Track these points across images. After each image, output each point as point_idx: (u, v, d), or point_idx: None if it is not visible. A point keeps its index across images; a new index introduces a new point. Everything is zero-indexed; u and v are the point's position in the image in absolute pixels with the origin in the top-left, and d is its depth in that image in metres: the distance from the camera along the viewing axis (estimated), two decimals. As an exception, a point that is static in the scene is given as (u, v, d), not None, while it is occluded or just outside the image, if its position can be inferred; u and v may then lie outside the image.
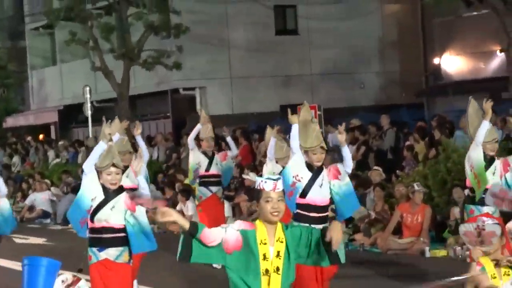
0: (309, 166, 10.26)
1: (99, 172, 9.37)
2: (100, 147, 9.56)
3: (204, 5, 31.14)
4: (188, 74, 31.32)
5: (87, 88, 30.86)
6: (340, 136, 10.48)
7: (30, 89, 42.78)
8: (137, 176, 10.74)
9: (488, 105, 11.68)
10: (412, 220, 16.58)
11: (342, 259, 6.58)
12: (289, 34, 33.78)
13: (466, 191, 13.05)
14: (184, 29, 28.87)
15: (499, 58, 26.48)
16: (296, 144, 10.60)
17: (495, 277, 7.74)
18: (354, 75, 33.09)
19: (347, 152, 10.63)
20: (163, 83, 32.54)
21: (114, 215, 9.29)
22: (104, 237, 9.32)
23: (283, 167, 12.93)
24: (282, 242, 6.28)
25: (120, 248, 9.35)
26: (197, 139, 15.71)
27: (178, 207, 20.91)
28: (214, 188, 15.67)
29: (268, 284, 6.23)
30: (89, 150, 19.71)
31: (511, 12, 20.55)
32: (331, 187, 10.39)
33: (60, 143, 33.64)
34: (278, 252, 6.26)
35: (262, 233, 6.25)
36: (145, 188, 10.62)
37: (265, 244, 6.25)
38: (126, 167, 11.72)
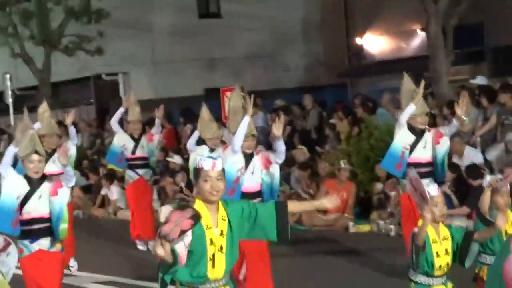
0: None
1: (22, 161, 9.25)
2: (11, 151, 9.48)
3: (126, -11, 30.57)
4: (110, 59, 30.84)
5: (7, 76, 30.37)
6: (275, 129, 10.50)
7: None
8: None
9: (421, 84, 12.06)
10: (337, 197, 16.79)
11: (289, 237, 6.53)
12: (212, 18, 33.58)
13: None
14: (105, 14, 28.34)
15: (420, 37, 26.84)
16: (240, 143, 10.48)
17: None
18: (278, 57, 33.17)
19: (281, 145, 10.59)
20: (85, 69, 32.01)
21: (42, 204, 9.13)
22: (35, 228, 9.16)
23: (211, 149, 13.14)
24: (224, 220, 6.24)
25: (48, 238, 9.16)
26: (121, 123, 15.81)
27: (102, 192, 20.90)
28: (141, 171, 15.59)
29: (213, 266, 6.20)
30: (11, 138, 19.49)
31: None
32: (262, 176, 10.52)
33: (-19, 132, 33.09)
34: (222, 230, 6.21)
35: (206, 218, 6.15)
36: (71, 174, 10.02)
37: (210, 228, 6.17)
38: (54, 151, 11.66)
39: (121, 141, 15.54)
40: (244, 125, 10.30)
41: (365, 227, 16.51)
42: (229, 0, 33.08)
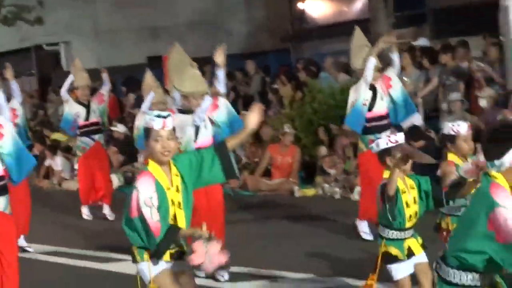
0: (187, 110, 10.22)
1: None
2: None
3: (66, -43, 30.23)
4: (51, 29, 30.61)
5: None
6: (217, 57, 10.92)
7: None
8: None
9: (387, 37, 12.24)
10: (282, 162, 16.96)
11: (237, 173, 6.62)
12: None
13: None
14: (45, -18, 27.74)
15: (361, 0, 26.91)
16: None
17: None
18: (221, 24, 33.09)
19: (222, 74, 10.89)
20: (26, 40, 31.85)
21: None
22: None
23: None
24: (177, 176, 6.23)
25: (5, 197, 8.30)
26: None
27: (46, 163, 20.84)
28: (96, 136, 15.59)
29: (175, 222, 6.20)
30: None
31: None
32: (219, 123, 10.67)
33: None
34: (177, 186, 6.22)
35: (163, 179, 6.16)
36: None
37: (169, 189, 6.17)
38: None
39: (72, 109, 15.37)
40: None
41: (310, 191, 16.68)
42: (171, -32, 32.70)
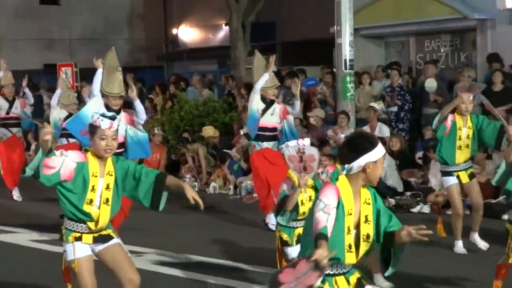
0: (108, 108, 9.60)
1: None
2: None
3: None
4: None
5: None
6: (129, 92, 10.33)
7: None
8: None
9: (272, 59, 11.77)
10: (152, 158, 16.84)
11: (162, 207, 6.04)
12: (51, 4, 32.49)
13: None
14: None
15: (224, 30, 27.12)
16: (97, 87, 10.09)
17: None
18: (107, 41, 32.68)
19: (139, 106, 10.26)
20: None
21: None
22: None
23: (70, 114, 13.36)
24: (111, 175, 5.94)
25: None
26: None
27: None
28: (14, 129, 15.25)
29: (98, 215, 5.92)
30: None
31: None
32: (127, 130, 9.91)
33: None
34: (108, 184, 5.93)
35: (94, 166, 5.88)
36: None
37: (95, 176, 5.88)
38: None
39: None
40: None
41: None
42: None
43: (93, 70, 19.48)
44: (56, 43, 31.13)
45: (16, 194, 15.33)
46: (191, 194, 5.78)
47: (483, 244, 9.59)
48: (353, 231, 4.63)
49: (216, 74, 23.23)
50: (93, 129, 5.90)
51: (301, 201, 7.10)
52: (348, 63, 16.09)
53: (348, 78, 16.08)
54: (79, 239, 5.89)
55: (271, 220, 11.21)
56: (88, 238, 5.92)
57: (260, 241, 10.67)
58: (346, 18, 16.08)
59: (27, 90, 15.96)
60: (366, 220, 4.64)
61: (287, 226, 7.26)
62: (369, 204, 4.71)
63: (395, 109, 15.90)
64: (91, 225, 5.92)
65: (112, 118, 5.94)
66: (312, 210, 4.60)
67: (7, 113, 14.97)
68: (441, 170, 10.14)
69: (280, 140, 11.87)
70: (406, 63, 19.57)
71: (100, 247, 5.99)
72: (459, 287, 8.25)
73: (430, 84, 15.45)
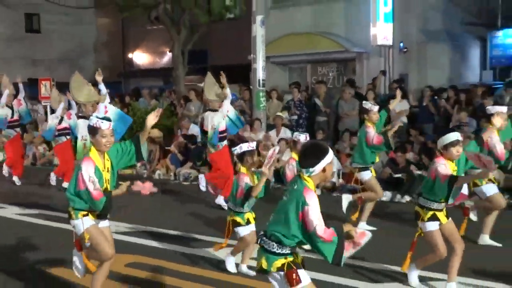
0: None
1: None
2: None
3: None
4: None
5: None
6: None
7: None
8: None
9: (223, 78, 11.21)
10: None
11: (145, 156, 6.14)
12: (35, 32, 31.98)
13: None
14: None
15: (168, 55, 27.01)
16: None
17: None
18: (79, 62, 32.24)
19: (104, 88, 10.59)
20: None
21: None
22: None
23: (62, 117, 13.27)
24: (108, 160, 5.82)
25: None
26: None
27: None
28: (18, 129, 15.03)
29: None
30: None
31: (176, 27, 20.96)
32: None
33: None
34: (107, 168, 5.81)
35: (99, 163, 5.73)
36: None
37: (104, 170, 5.77)
38: None
39: (3, 111, 14.51)
40: None
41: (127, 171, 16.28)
42: (50, 21, 31.63)
43: (67, 84, 19.10)
44: (38, 62, 30.45)
45: (16, 181, 14.86)
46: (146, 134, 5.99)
47: None
48: None
49: (162, 89, 23.05)
50: (94, 130, 5.77)
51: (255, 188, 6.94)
52: (261, 82, 16.28)
53: (261, 94, 16.24)
54: (86, 215, 5.77)
55: (221, 202, 11.12)
56: (93, 215, 5.80)
57: (202, 216, 10.68)
58: (260, 49, 16.24)
59: (21, 94, 15.35)
60: None
61: (240, 212, 7.07)
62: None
63: (295, 117, 16.07)
64: None
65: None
66: (295, 208, 4.48)
67: (12, 117, 14.55)
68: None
69: (232, 130, 11.57)
70: (304, 83, 19.77)
71: (100, 224, 5.88)
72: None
73: (319, 102, 15.82)
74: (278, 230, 4.53)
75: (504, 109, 8.18)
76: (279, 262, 4.54)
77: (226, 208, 9.13)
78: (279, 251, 4.55)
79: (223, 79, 11.26)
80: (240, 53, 21.05)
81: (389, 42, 18.96)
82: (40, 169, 17.50)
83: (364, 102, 10.06)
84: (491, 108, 8.24)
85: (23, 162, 15.52)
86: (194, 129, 16.14)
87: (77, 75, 10.17)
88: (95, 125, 5.74)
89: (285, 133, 15.13)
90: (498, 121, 7.82)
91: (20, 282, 7.07)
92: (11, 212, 11.31)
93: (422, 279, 6.72)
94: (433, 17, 20.17)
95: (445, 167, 6.11)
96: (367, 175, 9.27)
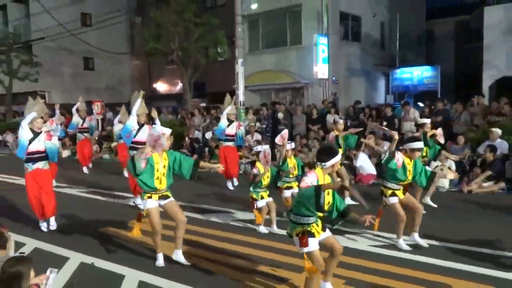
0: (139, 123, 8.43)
1: (31, 122, 7.05)
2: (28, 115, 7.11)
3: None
4: None
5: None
6: None
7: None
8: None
9: (249, 114, 10.42)
10: None
11: (195, 177, 5.54)
12: (90, 70, 31.00)
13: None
14: None
15: (179, 85, 26.63)
16: (134, 111, 8.41)
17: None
18: (119, 90, 31.70)
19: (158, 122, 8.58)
20: None
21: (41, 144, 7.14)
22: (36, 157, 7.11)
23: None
24: (166, 159, 5.45)
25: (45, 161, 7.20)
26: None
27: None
28: (86, 134, 13.66)
29: (160, 183, 5.44)
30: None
31: (185, 66, 20.74)
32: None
33: None
34: (164, 165, 5.44)
35: (156, 157, 5.35)
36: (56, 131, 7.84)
37: (157, 163, 5.37)
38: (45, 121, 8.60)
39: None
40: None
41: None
42: (98, 62, 30.73)
43: (110, 105, 18.18)
44: (92, 90, 29.97)
45: (85, 170, 13.87)
46: (209, 166, 5.78)
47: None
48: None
49: (175, 108, 22.82)
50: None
51: (263, 178, 6.76)
52: (241, 103, 16.12)
53: (242, 110, 16.08)
54: (150, 197, 5.48)
55: (228, 184, 10.59)
56: (156, 196, 5.49)
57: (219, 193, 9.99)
58: (241, 81, 16.11)
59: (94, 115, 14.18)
60: (328, 193, 4.34)
61: (256, 191, 6.84)
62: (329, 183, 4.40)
63: (264, 126, 15.94)
64: (157, 189, 5.49)
65: (168, 130, 5.55)
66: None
67: (82, 125, 13.47)
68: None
69: (236, 141, 10.76)
70: (270, 104, 19.73)
71: (162, 202, 5.53)
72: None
73: (281, 115, 15.69)
74: (296, 205, 4.33)
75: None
76: (298, 229, 4.32)
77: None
78: (298, 221, 4.31)
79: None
80: (227, 83, 20.92)
81: (326, 76, 19.08)
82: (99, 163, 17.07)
83: (335, 116, 9.47)
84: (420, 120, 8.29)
85: (90, 157, 14.38)
86: (199, 134, 15.95)
87: (142, 93, 9.04)
88: (161, 132, 5.46)
89: (256, 137, 14.96)
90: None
91: (86, 238, 6.89)
92: (77, 190, 11.01)
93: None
94: (354, 61, 20.45)
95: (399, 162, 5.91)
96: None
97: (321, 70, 18.86)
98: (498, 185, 9.40)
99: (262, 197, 6.89)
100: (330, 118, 14.46)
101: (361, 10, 20.75)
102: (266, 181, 6.82)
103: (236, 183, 10.78)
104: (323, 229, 4.42)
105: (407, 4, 23.27)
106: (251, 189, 6.90)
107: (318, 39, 18.62)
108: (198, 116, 17.40)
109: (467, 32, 25.25)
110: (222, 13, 21.61)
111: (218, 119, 13.49)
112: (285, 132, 7.20)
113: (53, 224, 7.39)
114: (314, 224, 4.34)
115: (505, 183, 9.46)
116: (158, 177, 5.43)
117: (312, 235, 4.29)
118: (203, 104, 22.49)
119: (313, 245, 4.27)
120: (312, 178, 4.25)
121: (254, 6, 20.68)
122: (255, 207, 6.94)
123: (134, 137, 8.43)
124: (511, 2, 16.44)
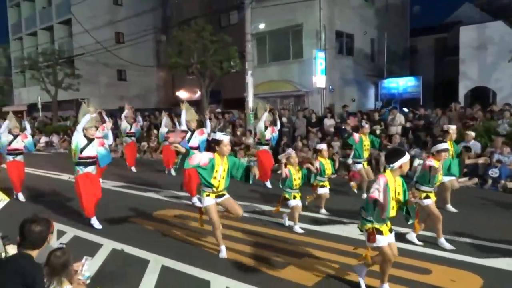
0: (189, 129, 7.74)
1: (85, 129, 6.51)
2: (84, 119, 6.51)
3: None
4: None
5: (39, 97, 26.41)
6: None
7: None
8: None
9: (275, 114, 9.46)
10: None
11: (251, 181, 5.21)
12: (122, 80, 30.90)
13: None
14: None
15: (198, 93, 26.11)
16: (183, 119, 7.86)
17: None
18: (147, 97, 31.63)
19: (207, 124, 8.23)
20: None
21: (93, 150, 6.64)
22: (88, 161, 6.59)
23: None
24: (226, 164, 5.15)
25: (94, 166, 6.70)
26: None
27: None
28: (133, 138, 12.72)
29: (218, 185, 5.15)
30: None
31: (203, 77, 20.63)
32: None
33: None
34: (225, 169, 5.15)
35: (218, 160, 5.07)
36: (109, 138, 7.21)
37: (218, 165, 5.07)
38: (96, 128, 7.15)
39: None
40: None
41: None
42: (129, 73, 30.69)
43: (140, 110, 17.61)
44: (124, 97, 29.99)
45: (132, 169, 12.73)
46: (254, 171, 5.23)
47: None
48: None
49: (196, 112, 22.62)
50: (218, 142, 5.07)
51: (294, 179, 6.26)
52: (250, 109, 16.02)
53: (251, 115, 15.98)
54: (208, 195, 5.20)
55: (267, 184, 9.63)
56: (213, 195, 5.21)
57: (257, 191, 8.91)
58: (250, 89, 16.03)
59: (139, 122, 13.04)
60: (399, 194, 4.06)
61: (288, 191, 6.30)
62: (400, 185, 4.09)
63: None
64: (215, 189, 5.19)
65: (227, 135, 5.20)
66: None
67: (130, 130, 12.29)
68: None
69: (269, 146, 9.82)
70: (277, 109, 19.62)
71: (219, 200, 5.26)
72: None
73: (284, 119, 15.56)
74: (366, 205, 4.11)
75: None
76: (367, 225, 4.11)
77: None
78: (367, 218, 4.11)
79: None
80: (239, 91, 20.81)
81: (323, 85, 18.99)
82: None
83: (363, 121, 8.81)
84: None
85: (135, 158, 13.22)
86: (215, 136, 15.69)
87: (186, 104, 8.32)
88: (219, 138, 5.10)
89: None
90: None
91: (117, 227, 6.80)
92: (121, 185, 10.59)
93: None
94: (347, 72, 20.33)
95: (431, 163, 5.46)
96: (359, 166, 8.14)
97: (319, 80, 18.82)
98: (472, 180, 9.44)
99: (294, 197, 6.35)
100: (327, 121, 14.34)
101: (354, 29, 20.80)
102: (297, 181, 6.31)
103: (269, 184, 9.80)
104: (390, 231, 4.16)
105: (393, 24, 23.39)
106: (283, 189, 6.40)
107: (316, 54, 18.63)
108: (213, 120, 17.33)
109: (445, 48, 25.06)
110: (234, 31, 21.52)
111: (230, 123, 13.33)
112: (290, 151, 6.48)
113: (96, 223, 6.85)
114: (384, 224, 4.12)
115: (478, 179, 9.49)
116: (215, 177, 5.13)
117: (380, 232, 4.08)
118: (219, 110, 22.36)
119: (381, 241, 4.05)
120: (379, 184, 3.93)
121: (261, 26, 20.60)
122: (282, 204, 6.45)
123: (188, 142, 7.72)
124: (482, 23, 17.05)
